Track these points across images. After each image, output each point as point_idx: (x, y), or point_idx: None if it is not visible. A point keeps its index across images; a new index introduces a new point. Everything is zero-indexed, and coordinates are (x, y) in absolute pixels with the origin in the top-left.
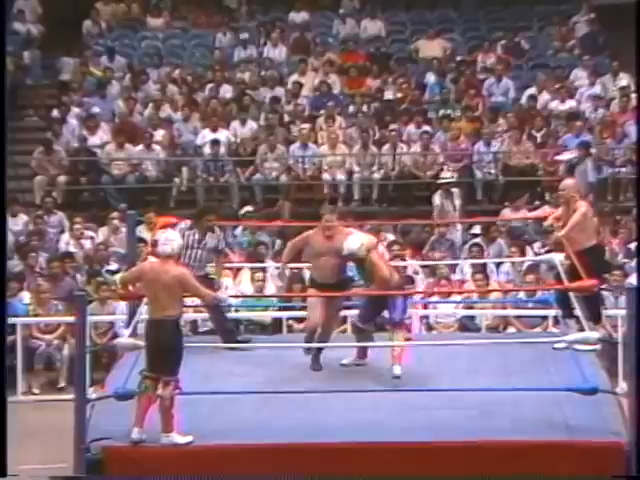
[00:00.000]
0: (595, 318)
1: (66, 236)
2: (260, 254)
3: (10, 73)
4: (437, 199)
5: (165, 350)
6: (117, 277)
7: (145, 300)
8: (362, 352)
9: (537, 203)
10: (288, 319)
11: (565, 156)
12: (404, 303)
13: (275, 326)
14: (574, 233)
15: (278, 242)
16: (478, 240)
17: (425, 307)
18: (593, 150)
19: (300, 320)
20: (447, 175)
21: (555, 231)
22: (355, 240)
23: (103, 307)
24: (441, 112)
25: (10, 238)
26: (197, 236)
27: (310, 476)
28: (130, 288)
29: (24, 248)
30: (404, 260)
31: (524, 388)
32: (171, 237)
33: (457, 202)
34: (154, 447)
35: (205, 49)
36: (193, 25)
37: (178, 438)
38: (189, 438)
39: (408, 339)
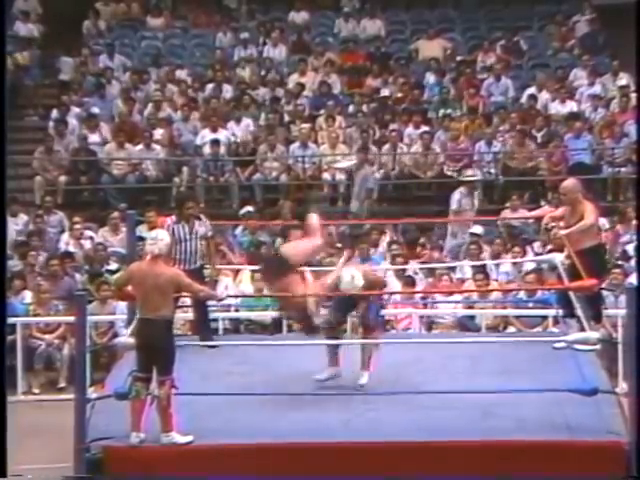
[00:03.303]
0: (596, 318)
1: (66, 236)
2: (260, 254)
3: (10, 73)
4: (457, 195)
5: (158, 350)
6: (113, 278)
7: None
8: (334, 359)
9: (543, 203)
10: (288, 319)
11: (344, 164)
12: (377, 305)
13: (275, 326)
14: (577, 233)
15: (279, 242)
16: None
17: (425, 307)
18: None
19: None
20: (470, 173)
21: (553, 230)
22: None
23: (103, 307)
24: (441, 112)
25: (13, 235)
26: (186, 228)
27: (310, 476)
28: (129, 288)
29: (24, 247)
30: (406, 261)
31: (524, 390)
32: (159, 237)
33: (476, 202)
34: (154, 447)
35: (205, 49)
36: (193, 25)
37: (178, 437)
38: (189, 438)
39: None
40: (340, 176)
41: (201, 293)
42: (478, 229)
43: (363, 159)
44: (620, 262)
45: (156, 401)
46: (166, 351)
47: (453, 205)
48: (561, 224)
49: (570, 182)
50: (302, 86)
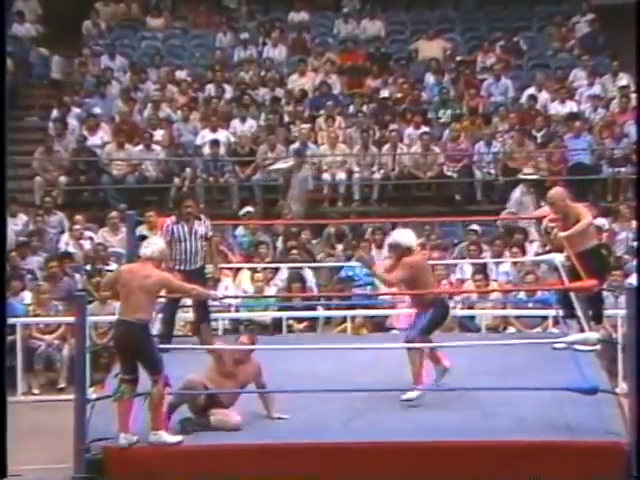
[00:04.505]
0: (597, 318)
1: (66, 236)
2: (260, 254)
3: (11, 73)
4: (517, 192)
5: (137, 352)
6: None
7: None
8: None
9: (543, 204)
10: (288, 319)
11: (280, 165)
12: (424, 322)
13: (275, 326)
14: (577, 236)
15: (279, 242)
16: (475, 228)
17: None
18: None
19: (300, 320)
20: (529, 171)
21: (554, 231)
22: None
23: (103, 307)
24: (441, 112)
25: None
26: (185, 228)
27: (310, 476)
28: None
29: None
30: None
31: (524, 388)
32: (153, 241)
33: (535, 199)
34: (154, 447)
35: (205, 49)
36: (193, 25)
37: (166, 437)
38: (178, 438)
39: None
40: (340, 176)
41: (193, 292)
42: (476, 226)
43: (301, 161)
44: (622, 258)
45: (148, 399)
46: (146, 352)
47: (513, 202)
48: (559, 225)
49: (555, 191)
50: (304, 92)
